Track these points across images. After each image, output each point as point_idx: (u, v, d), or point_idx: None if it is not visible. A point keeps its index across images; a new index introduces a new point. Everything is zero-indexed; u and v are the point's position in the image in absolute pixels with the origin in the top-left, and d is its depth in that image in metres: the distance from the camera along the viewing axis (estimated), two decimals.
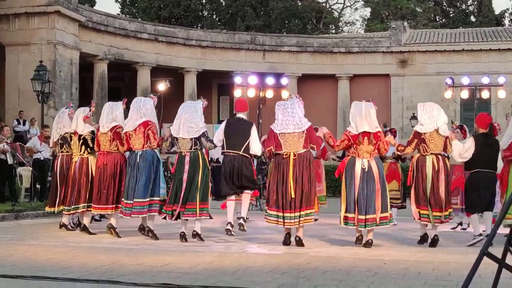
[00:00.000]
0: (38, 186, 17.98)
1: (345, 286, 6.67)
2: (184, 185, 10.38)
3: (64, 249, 9.62)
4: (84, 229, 11.62)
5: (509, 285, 6.27)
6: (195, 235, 10.51)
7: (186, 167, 10.42)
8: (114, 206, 11.20)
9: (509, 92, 27.75)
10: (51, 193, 12.81)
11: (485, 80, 24.85)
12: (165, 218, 10.68)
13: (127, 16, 51.54)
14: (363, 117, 10.18)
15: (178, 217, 10.52)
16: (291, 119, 10.21)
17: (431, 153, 10.30)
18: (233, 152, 10.55)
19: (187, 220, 10.53)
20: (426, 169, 10.24)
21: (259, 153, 10.88)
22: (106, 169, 11.26)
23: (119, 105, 11.60)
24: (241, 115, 11.07)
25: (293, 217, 10.02)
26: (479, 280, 6.30)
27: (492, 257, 4.96)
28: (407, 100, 35.41)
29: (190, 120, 10.54)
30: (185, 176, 10.39)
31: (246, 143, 10.54)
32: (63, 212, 12.19)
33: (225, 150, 10.65)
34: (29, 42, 26.43)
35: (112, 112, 11.44)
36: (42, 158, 17.69)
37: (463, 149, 10.63)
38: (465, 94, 26.13)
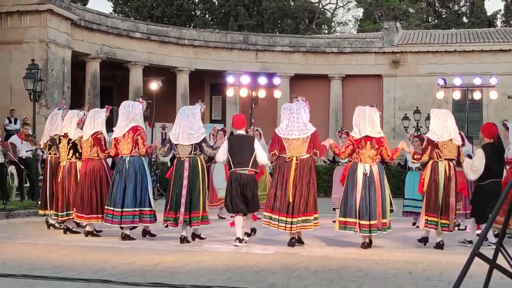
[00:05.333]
0: (26, 185, 17.94)
1: (336, 286, 6.67)
2: (184, 191, 10.28)
3: (55, 248, 9.61)
4: (68, 230, 11.66)
5: (500, 285, 6.29)
6: (195, 236, 10.48)
7: (186, 173, 10.33)
8: (99, 216, 11.10)
9: (500, 93, 27.83)
10: (42, 196, 12.79)
11: (477, 81, 24.90)
12: (167, 226, 10.48)
13: (120, 15, 51.43)
14: (366, 121, 10.16)
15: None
16: (296, 125, 10.21)
17: (445, 159, 10.26)
18: (240, 170, 10.33)
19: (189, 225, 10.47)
20: (439, 176, 10.19)
21: (267, 162, 10.98)
22: (86, 178, 11.23)
23: (102, 113, 11.58)
24: (241, 131, 10.82)
25: (289, 222, 9.98)
26: (470, 280, 6.32)
27: (484, 257, 4.98)
28: (399, 101, 35.47)
29: (189, 126, 10.45)
30: (185, 182, 10.30)
31: (253, 158, 10.41)
32: (54, 217, 12.14)
33: (233, 169, 10.40)
34: (21, 41, 26.32)
35: (94, 120, 11.40)
36: (24, 157, 17.63)
37: (474, 165, 10.60)
38: (457, 95, 26.17)
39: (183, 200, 10.27)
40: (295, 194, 9.99)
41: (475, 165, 10.61)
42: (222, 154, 10.57)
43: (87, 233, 11.17)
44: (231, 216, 10.95)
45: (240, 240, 10.11)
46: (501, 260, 5.01)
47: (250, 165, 10.37)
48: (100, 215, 11.11)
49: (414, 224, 14.10)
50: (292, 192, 9.98)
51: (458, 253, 9.34)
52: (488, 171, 10.57)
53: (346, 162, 14.78)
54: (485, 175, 10.59)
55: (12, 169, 17.71)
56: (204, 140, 10.51)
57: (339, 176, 14.67)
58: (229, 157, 10.48)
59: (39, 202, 13.25)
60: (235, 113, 34.37)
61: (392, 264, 8.34)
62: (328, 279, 7.06)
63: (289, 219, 9.98)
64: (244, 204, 10.32)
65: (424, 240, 10.68)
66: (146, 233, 10.99)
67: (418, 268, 8.10)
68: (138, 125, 10.86)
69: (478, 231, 11.67)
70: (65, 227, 11.71)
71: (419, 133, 15.49)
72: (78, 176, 11.59)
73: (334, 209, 14.59)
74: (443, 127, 10.32)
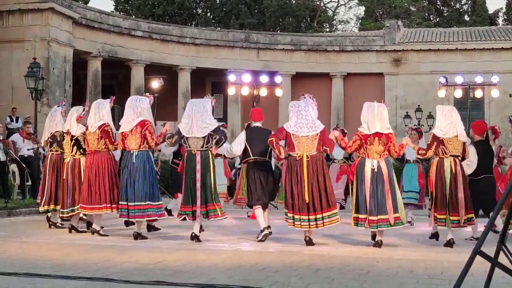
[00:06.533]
0: (27, 183, 17.97)
1: (338, 284, 6.67)
2: (198, 184, 10.24)
3: (57, 246, 9.61)
4: (73, 228, 11.58)
5: (502, 284, 6.29)
6: (194, 237, 10.38)
7: (198, 166, 10.28)
8: (102, 206, 11.06)
9: (502, 91, 27.83)
10: (41, 192, 12.78)
11: (479, 79, 24.92)
12: (184, 219, 10.41)
13: (121, 13, 51.43)
14: (375, 117, 10.19)
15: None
16: (304, 122, 10.21)
17: (450, 155, 10.29)
18: (259, 159, 10.95)
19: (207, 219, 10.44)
20: (445, 172, 10.22)
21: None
22: (93, 169, 11.15)
23: (106, 104, 11.48)
24: (258, 124, 11.24)
25: (308, 220, 9.99)
26: (471, 279, 6.31)
27: (485, 256, 4.98)
28: (400, 99, 35.45)
29: (202, 120, 10.38)
30: (198, 175, 10.25)
31: (270, 149, 10.77)
32: (64, 214, 12.08)
33: (252, 158, 11.00)
34: (22, 39, 26.36)
35: (99, 111, 11.32)
36: (25, 156, 17.65)
37: (470, 160, 10.83)
38: (458, 93, 26.21)
39: (198, 194, 10.23)
40: (312, 191, 10.00)
41: (471, 160, 10.87)
42: (239, 145, 11.03)
43: (93, 233, 11.09)
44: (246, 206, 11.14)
45: (266, 229, 10.57)
46: (502, 259, 5.01)
47: (267, 156, 10.93)
48: (103, 206, 11.06)
49: (409, 222, 14.07)
50: (308, 191, 9.99)
51: (459, 252, 9.33)
52: (480, 167, 10.97)
53: (342, 159, 14.94)
54: (479, 170, 11.00)
55: (13, 167, 17.74)
56: (218, 127, 10.51)
57: (334, 173, 14.78)
58: (248, 147, 10.95)
59: (38, 199, 13.22)
60: (236, 112, 34.76)
61: (394, 263, 8.34)
62: (330, 278, 7.06)
63: (312, 217, 9.98)
64: (265, 191, 10.89)
65: (435, 236, 10.72)
66: (151, 228, 10.93)
67: (420, 266, 8.10)
68: (145, 119, 10.78)
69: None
70: (70, 226, 11.67)
71: (417, 126, 15.74)
72: (82, 172, 11.56)
73: None
74: (449, 123, 10.37)
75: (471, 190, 11.08)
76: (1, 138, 17.32)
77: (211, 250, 9.43)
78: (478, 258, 4.95)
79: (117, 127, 11.27)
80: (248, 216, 14.95)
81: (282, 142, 10.41)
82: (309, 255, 9.00)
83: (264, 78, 25.78)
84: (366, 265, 8.08)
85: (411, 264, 8.23)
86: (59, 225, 12.34)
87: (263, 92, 26.38)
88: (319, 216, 10.01)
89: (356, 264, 8.18)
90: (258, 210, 10.86)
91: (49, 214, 12.46)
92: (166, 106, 31.69)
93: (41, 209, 12.74)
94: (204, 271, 7.41)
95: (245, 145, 11.00)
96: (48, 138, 12.61)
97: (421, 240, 11.10)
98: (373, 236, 10.26)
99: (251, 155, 10.97)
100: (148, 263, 7.99)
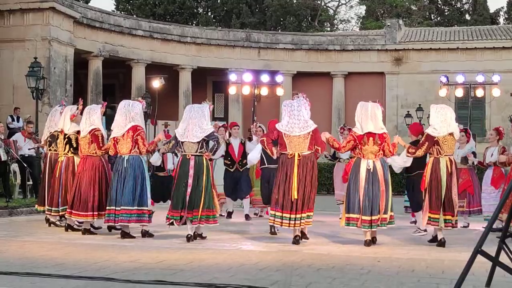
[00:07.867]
0: (28, 183, 17.96)
1: (338, 284, 6.67)
2: (189, 190, 10.23)
3: (57, 245, 9.61)
4: (69, 227, 11.57)
5: (502, 283, 6.29)
6: (197, 235, 10.43)
7: (191, 171, 10.27)
8: (94, 213, 11.05)
9: (503, 90, 27.82)
10: (40, 192, 12.80)
11: (480, 78, 24.91)
12: (171, 224, 10.40)
13: (122, 12, 51.44)
14: (368, 117, 10.15)
15: (185, 222, 10.38)
16: (296, 122, 10.22)
17: (445, 155, 10.26)
18: (271, 166, 12.19)
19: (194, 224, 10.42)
20: (441, 172, 10.19)
21: None
22: (85, 175, 11.15)
23: (97, 109, 11.51)
24: None
25: (293, 219, 10.01)
26: (472, 278, 6.31)
27: (486, 255, 4.98)
28: (401, 98, 35.47)
29: (199, 125, 10.37)
30: (190, 180, 10.25)
31: None
32: (52, 213, 12.10)
33: (266, 166, 12.71)
34: (23, 39, 26.37)
35: (90, 116, 11.35)
36: (26, 155, 17.66)
37: (404, 159, 11.17)
38: (459, 93, 26.22)
39: (187, 199, 10.24)
40: (298, 191, 10.00)
41: (404, 159, 11.27)
42: (256, 154, 12.21)
43: (84, 231, 11.12)
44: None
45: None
46: (503, 258, 5.02)
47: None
48: (96, 213, 11.07)
49: (415, 222, 14.07)
50: (296, 189, 9.99)
51: (460, 251, 9.33)
52: (416, 164, 11.30)
53: (348, 159, 14.92)
54: (415, 167, 11.48)
55: (15, 167, 17.73)
56: (212, 133, 10.49)
57: (340, 172, 14.78)
58: (262, 155, 12.35)
59: (38, 198, 13.24)
60: (237, 111, 34.75)
61: (395, 262, 8.34)
62: (331, 277, 7.06)
63: (292, 216, 10.00)
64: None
65: (436, 240, 10.48)
66: (145, 233, 10.90)
67: (421, 265, 8.09)
68: (137, 124, 10.77)
69: (413, 218, 12.62)
70: (66, 225, 11.68)
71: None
72: (76, 171, 11.56)
73: (338, 205, 14.63)
74: (442, 120, 10.30)
75: (407, 187, 12.06)
76: (2, 138, 17.31)
77: (212, 250, 9.43)
78: (479, 257, 4.96)
79: None
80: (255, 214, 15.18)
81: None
82: (310, 254, 9.00)
83: (265, 78, 25.79)
84: (367, 264, 8.08)
85: (412, 263, 8.22)
86: (59, 223, 12.34)
87: (264, 91, 26.39)
88: (298, 215, 10.04)
89: (357, 263, 8.17)
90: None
91: (45, 210, 12.48)
92: (167, 105, 31.71)
93: (38, 208, 12.79)
94: (205, 270, 7.41)
95: (261, 153, 12.28)
96: (47, 138, 12.64)
97: (422, 239, 11.09)
98: (366, 242, 10.17)
99: (265, 163, 12.54)
100: (149, 262, 7.99)
